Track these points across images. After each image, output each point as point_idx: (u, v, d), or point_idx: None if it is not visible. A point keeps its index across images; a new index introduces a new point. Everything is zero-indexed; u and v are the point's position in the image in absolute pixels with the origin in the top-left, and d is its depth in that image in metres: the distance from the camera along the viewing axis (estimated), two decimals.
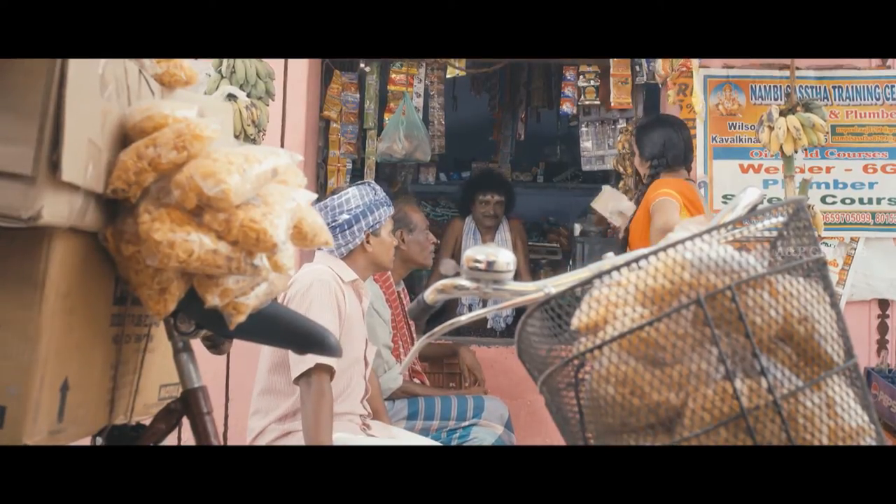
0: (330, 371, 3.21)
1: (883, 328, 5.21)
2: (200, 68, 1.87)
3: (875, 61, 5.31)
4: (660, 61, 5.13)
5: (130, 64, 1.64)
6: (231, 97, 3.87)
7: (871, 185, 5.23)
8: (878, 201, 5.22)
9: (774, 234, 1.49)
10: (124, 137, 1.55)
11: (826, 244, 5.14)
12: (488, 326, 5.95)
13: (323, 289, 3.36)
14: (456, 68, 5.89)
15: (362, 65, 6.17)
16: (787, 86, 4.82)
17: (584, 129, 6.13)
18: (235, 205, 1.50)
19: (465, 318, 1.71)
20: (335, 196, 3.61)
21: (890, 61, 5.30)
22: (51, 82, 1.33)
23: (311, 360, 3.16)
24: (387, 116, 6.14)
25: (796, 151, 4.47)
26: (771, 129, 4.46)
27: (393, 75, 6.27)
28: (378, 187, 3.75)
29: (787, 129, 4.38)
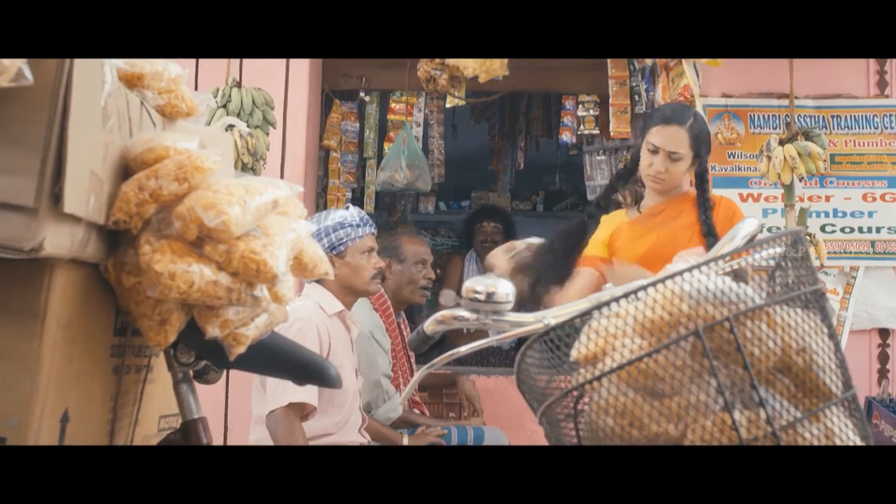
0: (303, 408, 3.21)
1: (883, 357, 5.21)
2: (201, 100, 1.88)
3: (873, 90, 5.33)
4: (660, 90, 5.16)
5: (132, 96, 1.65)
6: (230, 127, 3.89)
7: (870, 214, 5.24)
8: (878, 230, 5.23)
9: (773, 263, 1.49)
10: (126, 169, 1.56)
11: (826, 273, 5.15)
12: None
13: (305, 326, 3.35)
14: (455, 97, 5.93)
15: (362, 94, 6.20)
16: (786, 115, 4.84)
17: (587, 158, 6.16)
18: (236, 236, 1.51)
19: (464, 349, 1.72)
20: None
21: (888, 90, 5.33)
22: (53, 114, 1.33)
23: (285, 398, 3.16)
24: (386, 146, 6.17)
25: (800, 180, 4.48)
26: (769, 158, 4.48)
27: (392, 104, 6.31)
28: (355, 210, 3.72)
29: (784, 158, 4.40)
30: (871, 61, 5.35)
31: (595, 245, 3.61)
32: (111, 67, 1.50)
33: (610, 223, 3.64)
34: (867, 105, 5.32)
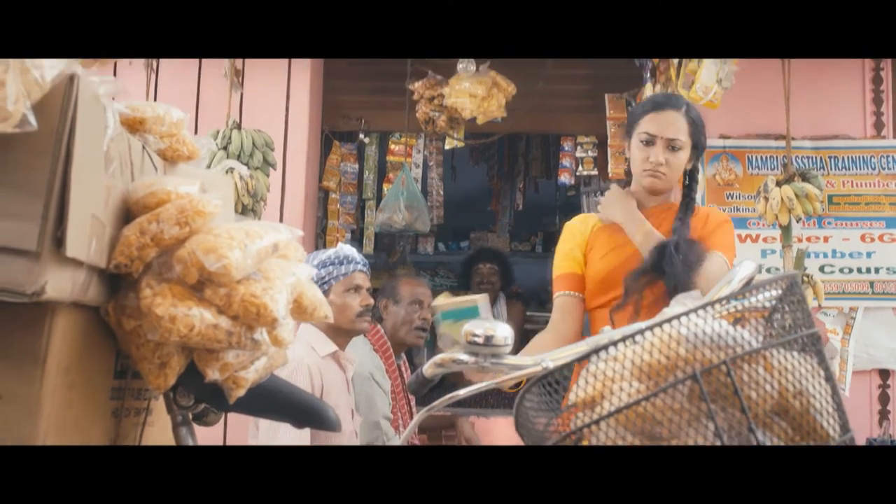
0: None
1: (884, 398, 5.20)
2: (202, 143, 1.89)
3: (870, 131, 5.37)
4: None
5: (134, 140, 1.66)
6: (231, 170, 3.91)
7: (868, 255, 5.26)
8: (877, 270, 5.24)
9: (770, 305, 1.50)
10: (127, 213, 1.57)
11: (825, 313, 5.15)
12: None
13: (296, 367, 3.34)
14: (454, 139, 5.96)
15: (361, 135, 6.24)
16: (784, 156, 4.87)
17: (585, 199, 6.20)
18: (236, 280, 1.51)
19: (464, 392, 1.72)
20: None
21: (884, 131, 5.37)
22: (56, 160, 1.34)
23: (276, 442, 3.15)
24: (385, 187, 6.19)
25: (798, 220, 4.50)
26: (766, 199, 4.50)
27: (392, 146, 6.35)
28: (344, 248, 3.70)
29: (781, 199, 4.42)
30: (868, 102, 5.40)
31: (566, 259, 3.19)
32: (114, 112, 1.52)
33: (579, 230, 3.24)
34: (864, 146, 5.35)
